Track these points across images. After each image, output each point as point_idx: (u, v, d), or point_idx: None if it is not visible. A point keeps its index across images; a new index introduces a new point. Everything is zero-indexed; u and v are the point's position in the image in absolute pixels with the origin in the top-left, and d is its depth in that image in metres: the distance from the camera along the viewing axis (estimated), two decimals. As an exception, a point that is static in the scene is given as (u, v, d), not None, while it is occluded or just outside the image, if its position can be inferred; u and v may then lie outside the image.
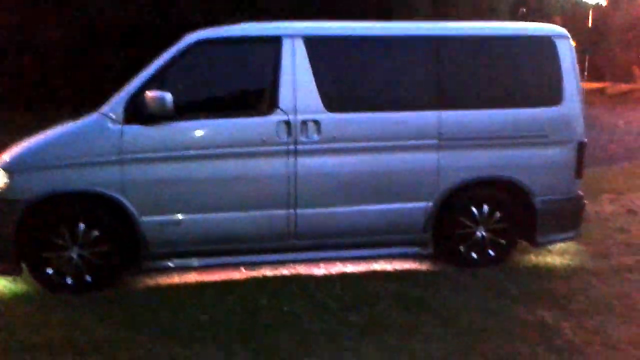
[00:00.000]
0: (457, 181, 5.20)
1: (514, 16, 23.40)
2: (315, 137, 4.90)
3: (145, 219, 4.75)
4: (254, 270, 5.23)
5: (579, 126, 5.40)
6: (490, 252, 5.38)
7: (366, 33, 5.13)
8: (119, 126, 4.63)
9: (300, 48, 4.88)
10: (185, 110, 4.77)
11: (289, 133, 4.85)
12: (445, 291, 4.75)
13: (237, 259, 5.11)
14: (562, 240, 5.66)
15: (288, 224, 4.99)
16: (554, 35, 5.35)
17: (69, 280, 4.71)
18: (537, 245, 5.46)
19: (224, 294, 4.67)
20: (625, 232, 6.45)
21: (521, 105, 5.30)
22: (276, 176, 4.89)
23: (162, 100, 4.48)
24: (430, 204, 5.19)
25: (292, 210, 4.96)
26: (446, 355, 3.76)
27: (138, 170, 4.68)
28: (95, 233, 4.70)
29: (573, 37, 5.54)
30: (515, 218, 5.37)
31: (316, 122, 4.89)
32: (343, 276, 5.15)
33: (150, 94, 4.50)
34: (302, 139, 4.88)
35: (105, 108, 4.67)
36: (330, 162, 4.97)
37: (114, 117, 4.63)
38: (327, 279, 5.08)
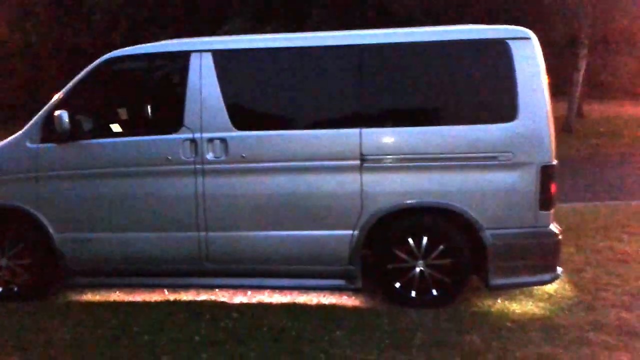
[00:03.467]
0: (384, 208, 4.53)
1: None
2: (223, 156, 4.62)
3: (59, 235, 4.86)
4: (177, 293, 5.07)
5: (542, 146, 4.41)
6: (434, 291, 4.61)
7: (277, 45, 4.70)
8: (36, 145, 4.80)
9: (208, 63, 4.65)
10: (97, 128, 4.82)
11: (195, 152, 4.64)
12: (336, 331, 4.17)
13: (156, 280, 5.00)
14: (529, 284, 4.65)
15: (199, 246, 4.75)
16: (508, 38, 4.45)
17: (-1, 290, 4.98)
18: (490, 287, 4.54)
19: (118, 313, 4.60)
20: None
21: (462, 122, 4.47)
22: (184, 197, 4.69)
23: (60, 119, 4.55)
24: (356, 232, 4.59)
25: (202, 233, 4.73)
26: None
27: (51, 187, 4.80)
28: (21, 245, 4.93)
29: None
30: (462, 253, 4.55)
31: (223, 141, 4.61)
32: (249, 306, 4.76)
33: (55, 113, 4.61)
34: (209, 158, 4.63)
35: (26, 127, 4.88)
36: (239, 183, 4.64)
37: (32, 136, 4.82)
38: (232, 307, 4.72)
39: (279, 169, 4.59)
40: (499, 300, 4.72)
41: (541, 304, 4.65)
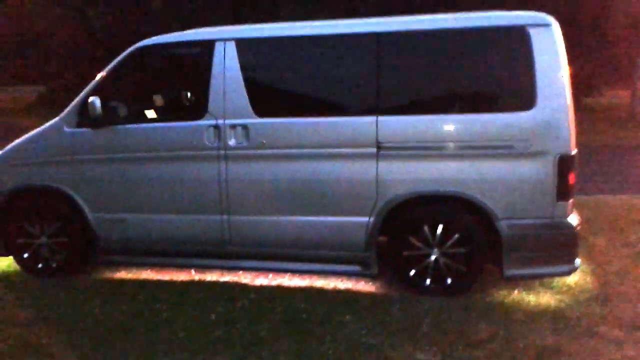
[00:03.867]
0: (399, 195, 4.58)
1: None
2: (244, 142, 4.78)
3: (93, 215, 5.16)
4: (203, 273, 5.30)
5: (560, 136, 4.34)
6: (448, 280, 4.64)
7: (296, 33, 4.77)
8: (72, 129, 5.09)
9: (232, 51, 4.79)
10: (128, 114, 5.06)
11: (219, 138, 4.82)
12: (346, 315, 4.29)
13: (183, 261, 5.23)
14: (545, 275, 4.61)
15: (222, 230, 4.94)
16: (528, 25, 4.37)
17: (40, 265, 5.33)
18: (506, 277, 4.53)
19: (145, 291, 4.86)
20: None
21: (479, 110, 4.45)
22: (208, 181, 4.88)
23: (93, 105, 4.82)
24: (372, 219, 4.67)
25: (225, 217, 4.91)
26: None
27: (86, 169, 5.09)
28: (58, 225, 5.26)
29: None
30: (478, 243, 4.55)
31: (245, 127, 4.77)
32: (267, 288, 4.94)
33: (89, 100, 4.88)
34: (231, 144, 4.80)
35: (64, 113, 5.17)
36: (260, 168, 4.79)
37: (69, 121, 5.11)
38: (250, 289, 4.91)
39: (297, 156, 4.71)
40: (515, 291, 4.70)
41: (558, 296, 4.61)
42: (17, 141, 5.38)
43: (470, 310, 4.36)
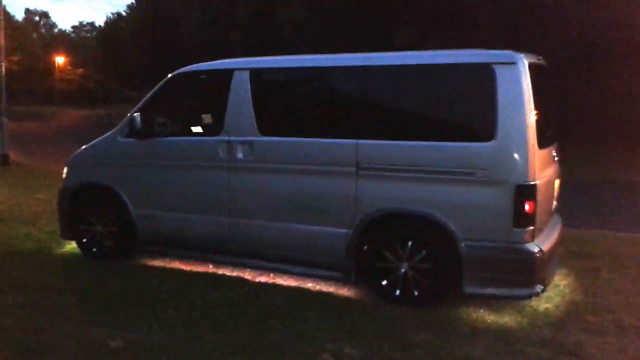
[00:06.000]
0: (373, 211, 5.09)
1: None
2: (250, 157, 5.55)
3: (134, 210, 6.19)
4: (217, 267, 6.11)
5: (517, 167, 4.61)
6: (415, 292, 5.05)
7: (291, 65, 5.52)
8: (123, 139, 6.18)
9: (245, 79, 5.60)
10: (164, 129, 6.05)
11: (229, 151, 5.63)
12: (309, 312, 4.86)
13: (202, 254, 6.09)
14: (503, 297, 4.86)
15: (230, 229, 5.74)
16: (493, 62, 4.71)
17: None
18: (465, 293, 4.85)
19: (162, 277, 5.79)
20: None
21: (445, 139, 4.85)
22: (219, 187, 5.71)
23: (134, 120, 5.86)
24: (351, 231, 5.21)
25: (229, 219, 5.71)
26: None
27: (130, 172, 6.15)
28: (109, 216, 6.36)
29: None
30: (442, 260, 4.92)
31: (250, 144, 5.54)
32: (261, 285, 5.63)
33: (133, 116, 5.93)
34: (239, 157, 5.59)
35: (119, 125, 6.28)
36: (260, 179, 5.53)
37: (121, 132, 6.21)
38: (247, 284, 5.63)
39: (291, 170, 5.40)
40: (481, 310, 4.98)
41: (519, 318, 4.82)
42: (84, 146, 6.59)
43: (423, 320, 4.72)
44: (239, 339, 4.36)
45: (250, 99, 5.57)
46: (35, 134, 29.38)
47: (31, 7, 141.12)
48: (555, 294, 5.38)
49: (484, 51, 4.92)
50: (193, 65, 6.03)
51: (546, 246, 4.86)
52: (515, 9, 18.72)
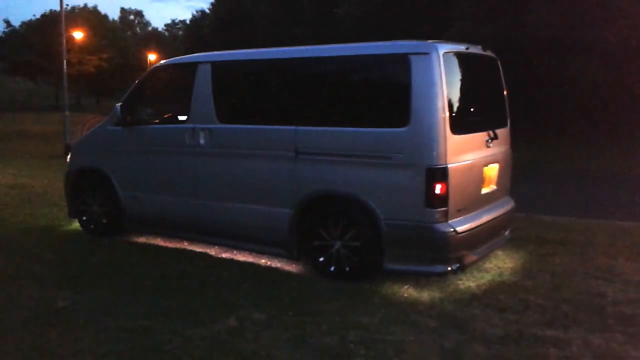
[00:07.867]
0: (310, 192, 5.49)
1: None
2: (210, 143, 6.10)
3: (122, 192, 6.90)
4: (194, 245, 6.71)
5: (429, 151, 4.88)
6: (347, 268, 5.41)
7: (243, 58, 6.01)
8: (112, 127, 6.90)
9: (207, 71, 6.15)
10: (143, 118, 6.71)
11: (194, 138, 6.20)
12: (244, 284, 5.36)
13: (179, 233, 6.70)
14: (419, 273, 5.18)
15: (197, 210, 6.32)
16: (409, 53, 4.98)
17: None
18: (384, 270, 5.17)
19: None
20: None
21: (366, 125, 5.19)
22: (187, 171, 6.30)
23: (115, 110, 6.56)
24: (292, 210, 5.64)
25: (197, 200, 6.28)
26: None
27: (118, 157, 6.87)
28: (103, 197, 7.11)
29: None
30: (367, 238, 5.25)
31: (211, 131, 6.08)
32: (220, 260, 6.18)
33: (115, 105, 6.63)
34: (201, 143, 6.14)
35: (110, 114, 7.01)
36: (219, 164, 6.07)
37: (112, 120, 6.93)
38: (211, 259, 6.21)
39: (242, 154, 5.90)
40: (406, 286, 5.27)
41: (436, 294, 5.08)
42: (85, 133, 7.38)
43: (343, 291, 5.08)
44: (167, 304, 4.90)
45: (211, 89, 6.11)
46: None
47: (126, 7, 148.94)
48: (491, 274, 5.59)
49: (403, 42, 5.20)
50: (170, 59, 6.66)
51: (465, 227, 5.08)
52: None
